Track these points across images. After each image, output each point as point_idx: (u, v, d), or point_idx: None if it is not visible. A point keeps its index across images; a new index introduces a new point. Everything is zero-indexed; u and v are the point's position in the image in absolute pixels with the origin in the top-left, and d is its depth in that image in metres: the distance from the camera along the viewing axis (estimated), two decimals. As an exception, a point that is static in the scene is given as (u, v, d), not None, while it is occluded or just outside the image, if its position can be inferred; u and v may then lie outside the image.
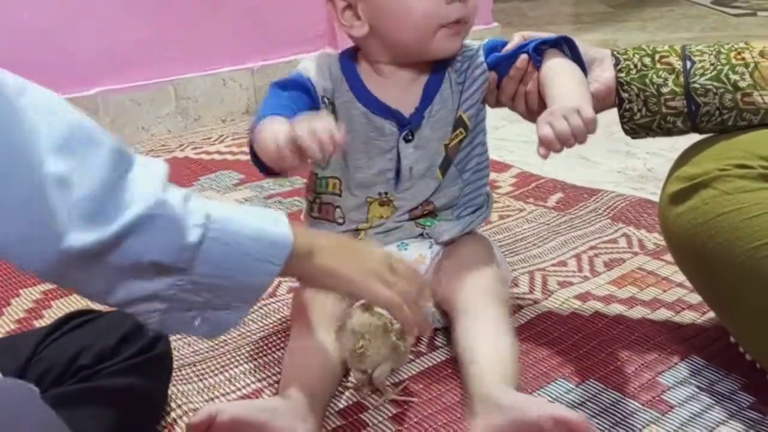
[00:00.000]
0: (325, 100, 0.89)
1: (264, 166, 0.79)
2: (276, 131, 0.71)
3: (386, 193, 0.92)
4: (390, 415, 0.81)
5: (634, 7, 3.43)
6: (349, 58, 0.91)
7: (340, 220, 0.94)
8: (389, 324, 0.77)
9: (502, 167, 1.53)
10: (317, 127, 0.69)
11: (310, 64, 0.90)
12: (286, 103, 0.82)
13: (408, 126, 0.90)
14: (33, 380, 0.68)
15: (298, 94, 0.85)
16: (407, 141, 0.90)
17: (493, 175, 1.47)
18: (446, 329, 0.93)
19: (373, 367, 0.80)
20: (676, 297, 1.01)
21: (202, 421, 0.68)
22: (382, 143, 0.90)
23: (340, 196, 0.93)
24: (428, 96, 0.90)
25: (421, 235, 0.94)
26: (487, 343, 0.79)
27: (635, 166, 1.50)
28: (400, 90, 0.90)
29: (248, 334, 0.97)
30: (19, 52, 1.64)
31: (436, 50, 0.87)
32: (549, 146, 0.72)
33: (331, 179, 0.93)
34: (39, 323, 1.00)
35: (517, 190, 1.42)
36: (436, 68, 0.90)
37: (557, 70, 0.84)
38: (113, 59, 1.76)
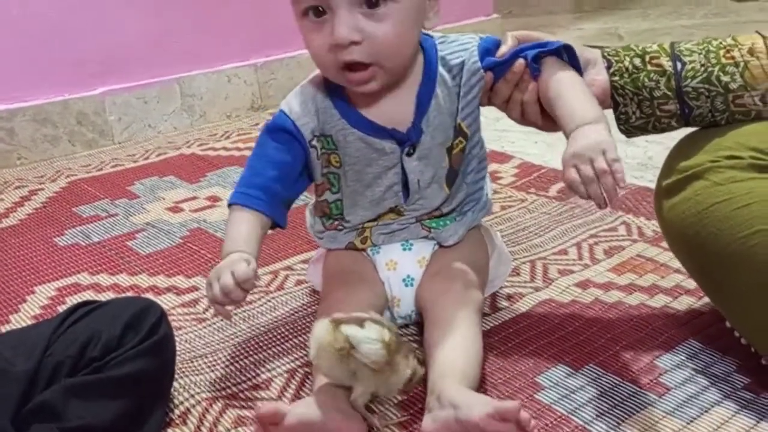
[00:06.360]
0: (313, 142, 0.88)
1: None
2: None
3: (396, 206, 0.92)
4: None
5: (636, -6, 3.44)
6: None
7: (347, 226, 0.95)
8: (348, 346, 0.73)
9: (504, 158, 1.56)
10: (223, 289, 0.78)
11: (294, 101, 0.89)
12: (268, 181, 0.87)
13: (408, 142, 0.87)
14: (48, 374, 0.71)
15: (285, 147, 0.88)
16: (409, 155, 0.88)
17: (494, 166, 1.50)
18: (419, 324, 0.94)
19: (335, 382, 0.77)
20: (674, 283, 1.04)
21: (270, 413, 0.72)
22: (386, 161, 0.89)
23: (346, 220, 0.94)
24: (422, 105, 0.87)
25: (426, 236, 0.94)
26: (450, 346, 0.80)
27: (635, 155, 1.51)
28: (391, 104, 0.87)
29: (257, 326, 1.00)
30: (25, 53, 1.67)
31: (351, 87, 0.84)
32: (575, 191, 0.73)
33: (341, 202, 0.93)
34: (54, 319, 1.04)
35: (519, 181, 1.44)
36: (427, 73, 0.87)
37: (566, 84, 0.82)
38: (118, 58, 1.79)
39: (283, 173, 0.88)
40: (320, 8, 0.79)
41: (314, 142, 0.89)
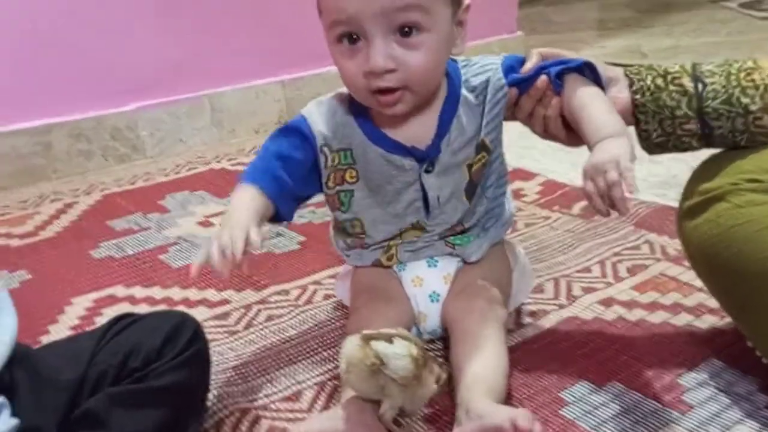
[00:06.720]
0: (324, 149, 0.91)
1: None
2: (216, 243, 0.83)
3: (417, 222, 0.94)
4: None
5: (660, 12, 3.44)
6: None
7: (371, 243, 0.97)
8: (377, 361, 0.75)
9: (528, 176, 1.58)
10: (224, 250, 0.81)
11: (315, 109, 0.92)
12: (276, 169, 0.89)
13: (426, 159, 0.90)
14: (93, 383, 0.75)
15: (293, 146, 0.90)
16: (428, 172, 0.91)
17: (519, 184, 1.52)
18: (445, 338, 0.97)
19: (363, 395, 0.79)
20: (697, 301, 1.05)
21: None
22: (405, 177, 0.91)
23: (365, 234, 0.96)
24: (443, 125, 0.89)
25: (450, 253, 0.96)
26: (478, 362, 0.82)
27: (658, 172, 1.53)
28: (414, 124, 0.89)
29: (287, 339, 1.03)
30: (61, 71, 1.72)
31: (379, 109, 0.86)
32: (589, 202, 0.75)
33: (356, 221, 0.95)
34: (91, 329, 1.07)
35: (543, 198, 1.46)
36: (450, 95, 0.90)
37: (589, 98, 0.84)
38: (150, 75, 1.84)
39: (290, 166, 0.90)
40: (354, 35, 0.81)
41: (325, 150, 0.91)
